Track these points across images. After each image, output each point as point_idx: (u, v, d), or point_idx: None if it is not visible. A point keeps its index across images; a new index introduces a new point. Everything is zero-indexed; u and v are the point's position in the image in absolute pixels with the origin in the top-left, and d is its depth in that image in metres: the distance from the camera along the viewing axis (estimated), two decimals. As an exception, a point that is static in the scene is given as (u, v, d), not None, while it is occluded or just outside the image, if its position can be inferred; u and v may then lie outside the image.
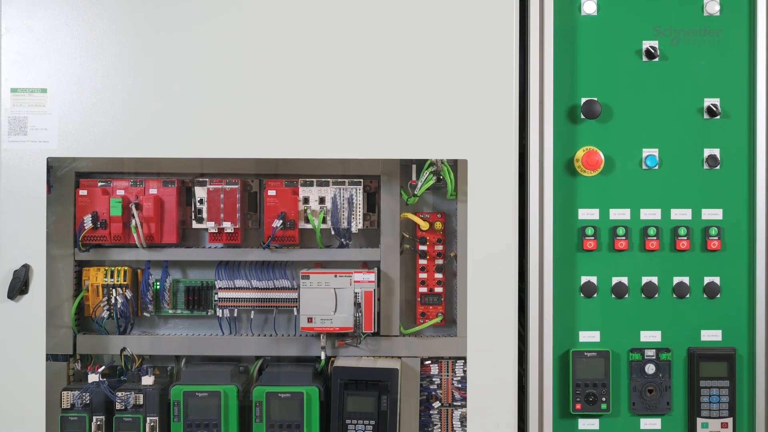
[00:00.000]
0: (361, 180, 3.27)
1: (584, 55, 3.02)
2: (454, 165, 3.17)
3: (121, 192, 3.27)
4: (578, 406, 3.03)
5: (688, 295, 3.04)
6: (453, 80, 2.91)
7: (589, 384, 3.03)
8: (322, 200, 3.27)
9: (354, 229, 3.26)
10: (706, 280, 3.05)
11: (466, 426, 3.21)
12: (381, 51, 2.92)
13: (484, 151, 2.91)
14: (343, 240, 3.27)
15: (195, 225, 3.28)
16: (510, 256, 2.92)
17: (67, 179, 3.27)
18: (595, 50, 3.02)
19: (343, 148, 2.94)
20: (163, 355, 3.36)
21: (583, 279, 3.04)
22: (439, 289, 3.30)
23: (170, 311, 3.36)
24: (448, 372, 3.29)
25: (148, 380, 3.19)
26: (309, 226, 3.26)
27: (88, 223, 3.22)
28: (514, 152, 2.92)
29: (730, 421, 3.04)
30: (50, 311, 3.03)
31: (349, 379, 3.16)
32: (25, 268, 2.92)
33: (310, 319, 3.19)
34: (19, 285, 2.90)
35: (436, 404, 3.29)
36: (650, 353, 3.05)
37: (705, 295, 3.05)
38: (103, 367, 3.19)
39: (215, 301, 3.32)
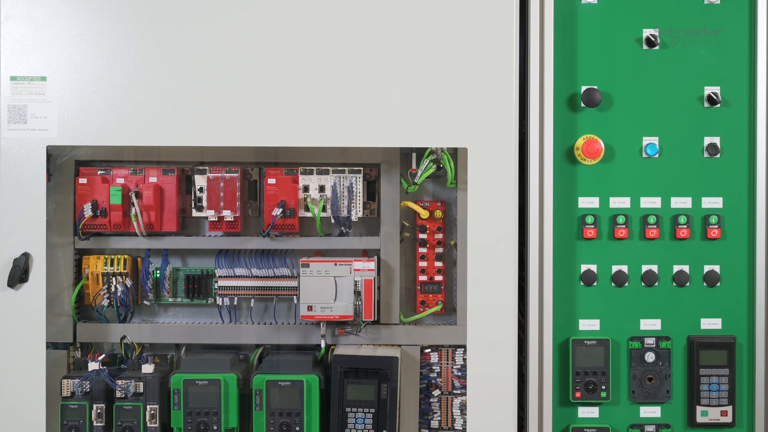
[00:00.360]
0: (361, 168, 3.27)
1: (584, 43, 3.02)
2: (454, 153, 3.17)
3: (120, 180, 3.27)
4: (578, 395, 3.03)
5: (688, 284, 3.04)
6: (453, 68, 2.91)
7: (588, 372, 3.03)
8: (321, 188, 3.26)
9: (354, 218, 3.26)
10: (706, 268, 3.05)
11: (465, 414, 3.21)
12: (381, 39, 2.92)
13: (484, 139, 2.91)
14: (343, 228, 3.27)
15: (195, 213, 3.28)
16: (510, 245, 2.92)
17: (67, 167, 3.27)
18: (596, 38, 3.02)
19: (342, 137, 2.94)
20: (163, 344, 3.36)
21: (583, 267, 3.04)
22: (439, 278, 3.30)
23: (170, 299, 3.36)
24: (447, 360, 3.29)
25: (148, 368, 3.19)
26: (309, 214, 3.26)
27: (87, 211, 3.22)
28: (514, 140, 2.92)
29: (729, 409, 3.05)
30: (50, 299, 3.03)
31: (349, 368, 3.16)
32: (25, 257, 2.92)
33: (310, 308, 3.19)
34: (19, 273, 2.91)
35: (436, 392, 3.29)
36: (650, 341, 3.05)
37: (705, 284, 3.05)
38: (103, 356, 3.19)
39: (215, 289, 3.32)
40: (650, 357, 3.05)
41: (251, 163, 3.33)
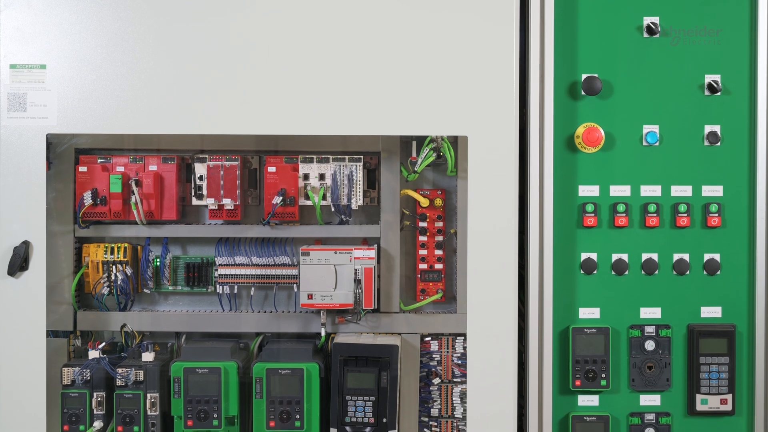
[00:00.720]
0: (361, 157, 3.27)
1: (585, 31, 3.01)
2: (455, 141, 3.17)
3: (120, 168, 3.26)
4: (578, 383, 3.04)
5: (688, 272, 3.04)
6: (453, 57, 2.91)
7: (588, 360, 3.03)
8: (322, 177, 3.26)
9: (354, 206, 3.26)
10: (706, 256, 3.05)
11: (465, 402, 3.22)
12: (381, 28, 2.91)
13: (484, 127, 2.91)
14: (343, 217, 3.27)
15: (195, 202, 3.28)
16: (510, 233, 2.92)
17: (67, 156, 3.27)
18: (596, 26, 3.01)
19: (343, 125, 2.94)
20: (163, 332, 3.36)
21: (583, 255, 3.04)
22: (439, 266, 3.30)
23: (170, 288, 3.36)
24: (447, 348, 3.30)
25: (148, 356, 3.19)
26: (309, 202, 3.26)
27: (87, 199, 3.22)
28: (514, 129, 2.92)
29: (729, 397, 3.05)
30: (50, 288, 3.03)
31: (349, 356, 3.16)
32: (25, 245, 2.92)
33: (310, 296, 3.19)
34: (19, 261, 2.91)
35: (436, 380, 3.30)
36: (650, 330, 3.05)
37: (705, 272, 3.05)
38: (103, 344, 3.19)
39: (215, 277, 3.32)
40: (650, 345, 3.05)
41: (251, 152, 3.33)
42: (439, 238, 3.30)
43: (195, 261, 3.36)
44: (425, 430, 3.31)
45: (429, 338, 3.30)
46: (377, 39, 2.91)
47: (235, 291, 3.33)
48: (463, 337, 3.27)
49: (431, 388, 3.30)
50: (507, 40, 2.91)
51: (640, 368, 3.06)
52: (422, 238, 3.30)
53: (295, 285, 3.29)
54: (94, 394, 3.17)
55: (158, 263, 3.33)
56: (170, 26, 2.92)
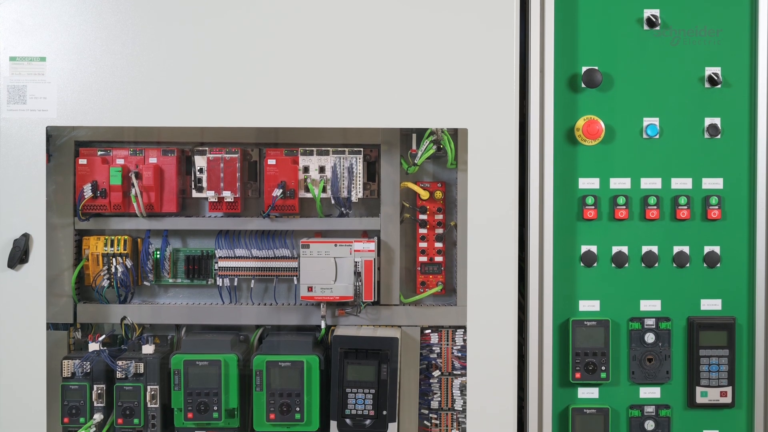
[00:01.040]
0: (361, 149, 3.27)
1: (585, 23, 3.01)
2: (455, 134, 3.16)
3: (120, 161, 3.26)
4: (578, 375, 3.04)
5: (688, 265, 3.04)
6: (453, 49, 2.90)
7: (588, 353, 3.03)
8: (322, 169, 3.26)
9: (354, 199, 3.25)
10: (706, 249, 3.05)
11: (465, 395, 3.22)
12: (381, 20, 2.91)
13: (484, 120, 2.91)
14: (343, 209, 3.27)
15: (195, 194, 3.28)
16: (510, 225, 2.92)
17: (67, 148, 3.27)
18: (597, 18, 3.01)
19: (343, 117, 2.94)
20: (163, 324, 3.37)
21: (583, 248, 3.04)
22: (439, 259, 3.30)
23: (170, 280, 3.37)
24: (448, 341, 3.30)
25: (148, 349, 3.20)
26: (309, 195, 3.25)
27: (87, 192, 3.22)
28: (514, 121, 2.92)
29: (729, 389, 3.05)
30: (50, 280, 3.03)
31: (349, 348, 3.16)
32: (25, 237, 2.92)
33: (310, 288, 3.19)
34: (19, 254, 2.91)
35: (436, 373, 3.30)
36: (650, 322, 3.05)
37: (705, 265, 3.05)
38: (103, 336, 3.20)
39: (215, 270, 3.32)
40: (650, 338, 3.05)
41: (251, 144, 3.33)
42: (439, 230, 3.30)
43: (195, 253, 3.36)
44: (425, 422, 3.31)
45: (429, 331, 3.30)
46: (377, 31, 2.91)
47: (235, 283, 3.33)
48: (463, 330, 3.27)
49: (431, 381, 3.30)
50: (507, 33, 2.90)
51: (640, 361, 3.06)
52: (422, 231, 3.30)
53: (295, 277, 3.29)
54: (95, 386, 3.17)
55: (158, 256, 3.33)
56: (170, 19, 2.91)
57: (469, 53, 2.90)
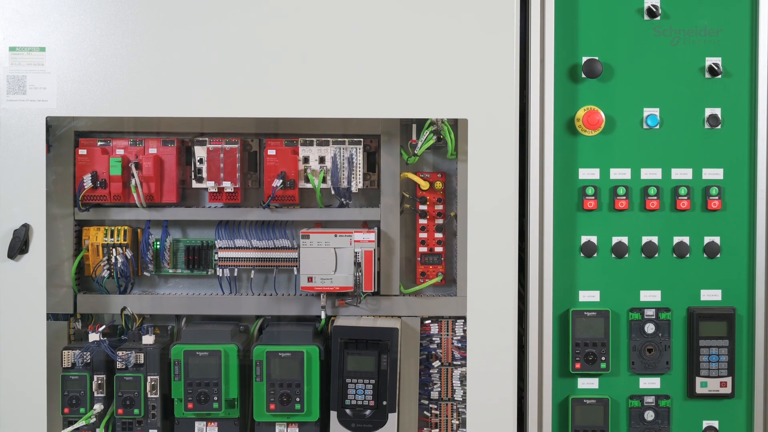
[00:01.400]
0: (361, 139, 3.26)
1: (585, 13, 3.01)
2: (455, 124, 3.16)
3: (120, 151, 3.26)
4: (578, 366, 3.04)
5: (688, 255, 3.04)
6: (453, 39, 2.90)
7: (588, 343, 3.04)
8: (322, 160, 3.26)
9: (354, 189, 3.25)
10: (707, 239, 3.05)
11: (465, 385, 3.22)
12: (381, 9, 2.91)
13: (484, 110, 2.91)
14: (343, 200, 3.27)
15: (195, 184, 3.28)
16: (510, 216, 2.92)
17: (67, 139, 3.27)
18: (597, 9, 3.01)
19: (343, 108, 2.94)
20: (163, 315, 3.37)
21: (584, 239, 3.04)
22: (439, 249, 3.30)
23: (170, 271, 3.37)
24: (447, 331, 3.30)
25: (148, 339, 3.20)
26: (309, 185, 3.25)
27: (87, 182, 3.22)
28: (514, 112, 2.91)
29: (729, 380, 3.05)
30: (50, 270, 3.03)
31: (349, 339, 3.17)
32: (25, 228, 2.92)
33: (310, 279, 3.19)
34: (19, 244, 2.91)
35: (436, 363, 3.30)
36: (650, 313, 3.05)
37: (705, 255, 3.05)
38: (103, 327, 3.20)
39: (215, 260, 3.32)
40: (650, 328, 3.05)
41: (251, 134, 3.32)
42: (439, 221, 3.30)
43: (195, 244, 3.36)
44: (425, 412, 3.31)
45: (429, 321, 3.30)
46: (376, 22, 2.91)
47: (235, 274, 3.33)
48: (463, 320, 3.27)
49: (431, 371, 3.31)
50: (507, 23, 2.90)
51: (640, 351, 3.06)
52: (422, 221, 3.30)
53: (295, 268, 3.29)
54: (95, 376, 3.17)
55: (158, 246, 3.33)
56: (169, 9, 2.91)
57: (469, 43, 2.90)
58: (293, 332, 3.23)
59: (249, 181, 3.34)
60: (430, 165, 3.34)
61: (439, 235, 3.30)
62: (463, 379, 3.28)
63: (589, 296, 3.05)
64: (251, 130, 3.31)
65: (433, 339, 3.30)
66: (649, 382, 3.08)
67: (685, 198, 3.03)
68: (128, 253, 3.30)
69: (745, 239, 3.05)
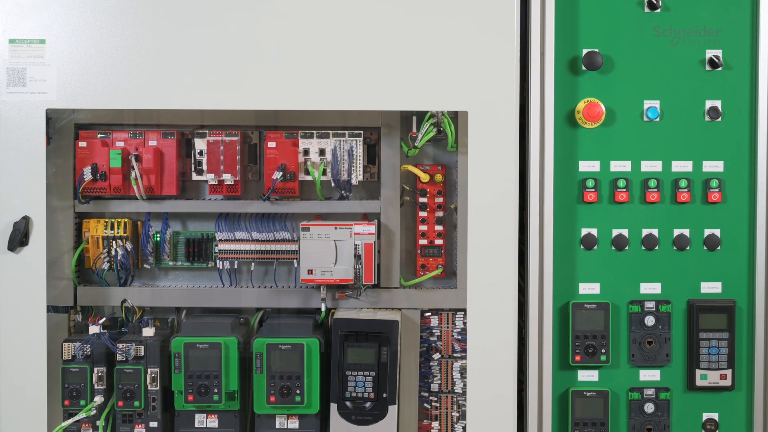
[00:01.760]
0: (362, 132, 3.26)
1: (586, 6, 3.00)
2: (455, 117, 3.16)
3: (120, 144, 3.26)
4: (578, 358, 3.04)
5: (688, 247, 3.04)
6: (454, 32, 2.90)
7: (588, 336, 3.04)
8: (322, 152, 3.26)
9: (354, 181, 3.25)
10: (707, 232, 3.05)
11: (466, 377, 3.22)
12: (381, 1, 2.90)
13: (484, 102, 2.90)
14: (343, 192, 3.27)
15: (195, 177, 3.28)
16: (510, 208, 2.92)
17: (67, 131, 3.27)
18: (597, 1, 3.00)
19: (343, 100, 2.93)
20: (163, 307, 3.37)
21: (584, 231, 3.04)
22: (439, 241, 3.30)
23: (170, 263, 3.37)
24: (448, 324, 3.30)
25: (148, 332, 3.20)
26: (309, 178, 3.25)
27: (87, 174, 3.22)
28: (514, 104, 2.91)
29: (729, 372, 3.05)
30: (50, 263, 3.04)
31: (350, 331, 3.17)
32: (25, 220, 2.92)
33: (310, 271, 3.19)
34: (19, 237, 2.91)
35: (436, 356, 3.30)
36: (650, 305, 3.05)
37: (705, 248, 3.05)
38: (103, 319, 3.20)
39: (215, 253, 3.32)
40: (650, 320, 3.05)
41: (251, 127, 3.32)
42: (440, 213, 3.30)
43: (195, 236, 3.36)
44: (425, 405, 3.31)
45: (429, 313, 3.30)
46: (377, 14, 2.90)
47: (236, 266, 3.33)
48: (463, 313, 3.27)
49: (431, 364, 3.31)
50: (507, 15, 2.90)
51: (640, 343, 3.06)
52: (422, 214, 3.30)
53: (295, 260, 3.29)
54: (95, 369, 3.18)
55: (158, 238, 3.33)
56: (170, 1, 2.91)
57: (470, 35, 2.90)
58: (293, 324, 3.23)
59: (249, 174, 3.34)
60: (431, 157, 3.34)
61: (439, 228, 3.30)
62: (463, 371, 3.28)
63: (589, 289, 3.05)
64: (251, 123, 3.31)
65: (433, 331, 3.30)
66: (649, 375, 3.08)
67: (686, 190, 3.03)
68: (128, 246, 3.30)
69: (745, 232, 3.05)
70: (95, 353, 3.18)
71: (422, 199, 3.30)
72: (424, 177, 3.28)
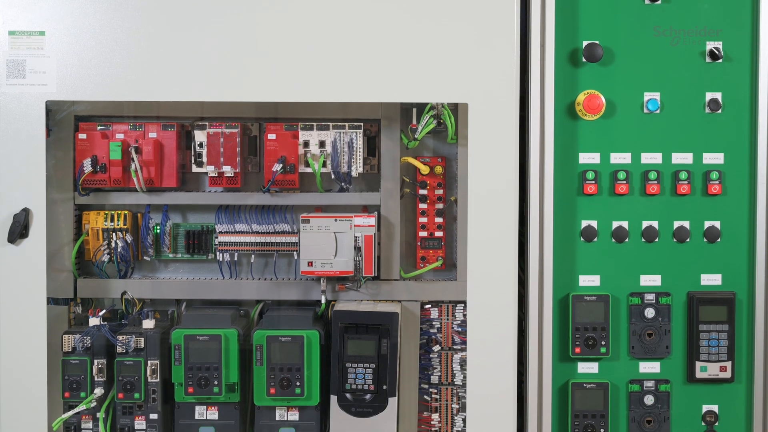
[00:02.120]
0: (362, 124, 3.26)
1: (586, -3, 3.01)
2: (455, 109, 3.16)
3: (120, 136, 3.26)
4: (577, 350, 3.04)
5: (688, 240, 3.04)
6: (454, 23, 2.90)
7: (588, 328, 3.04)
8: (322, 144, 3.26)
9: (354, 173, 3.25)
10: (707, 224, 3.05)
11: (465, 369, 3.22)
12: (381, -7, 2.91)
13: (484, 94, 2.90)
14: (343, 184, 3.27)
15: (195, 169, 3.27)
16: (510, 200, 2.92)
17: (67, 123, 3.26)
18: (597, -7, 3.01)
19: (343, 92, 2.93)
20: (163, 299, 3.37)
21: (584, 223, 3.04)
22: (439, 233, 3.30)
23: (170, 255, 3.37)
24: (448, 316, 3.30)
25: (148, 324, 3.20)
26: (309, 170, 3.25)
27: (87, 166, 3.22)
28: (515, 96, 2.91)
29: (728, 364, 3.06)
30: (50, 255, 3.04)
31: (350, 323, 3.17)
32: (25, 212, 2.92)
33: (310, 263, 3.19)
34: (20, 229, 2.91)
35: (436, 348, 3.30)
36: (650, 297, 3.05)
37: (705, 240, 3.05)
38: (104, 311, 3.20)
39: (215, 245, 3.32)
40: (650, 313, 3.05)
41: (251, 119, 3.32)
42: (440, 205, 3.30)
43: (195, 228, 3.36)
44: (425, 397, 3.31)
45: (429, 305, 3.30)
46: (377, 5, 2.90)
47: (236, 258, 3.33)
48: (463, 305, 3.27)
49: (431, 356, 3.31)
50: (508, 6, 2.89)
51: (640, 336, 3.06)
52: (422, 206, 3.30)
53: (295, 252, 3.29)
54: (95, 361, 3.18)
55: (158, 231, 3.33)
56: (169, -8, 2.91)
57: (470, 27, 2.89)
58: (293, 317, 3.23)
59: (249, 166, 3.34)
60: (431, 149, 3.33)
61: (439, 220, 3.30)
62: (463, 363, 3.28)
63: (589, 281, 3.05)
64: (251, 115, 3.31)
65: (433, 323, 3.30)
66: (649, 367, 3.08)
67: (686, 182, 3.03)
68: (128, 238, 3.30)
69: (745, 224, 3.05)
70: (95, 345, 3.18)
71: (422, 191, 3.30)
72: (424, 169, 3.28)
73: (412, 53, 2.90)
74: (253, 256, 3.33)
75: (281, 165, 3.21)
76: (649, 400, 3.07)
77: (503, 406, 2.97)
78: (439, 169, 3.28)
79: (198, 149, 3.26)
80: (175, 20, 2.90)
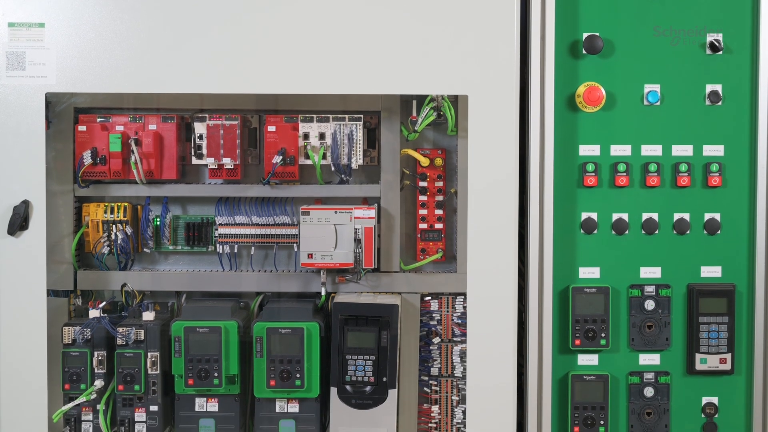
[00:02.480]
0: (362, 116, 3.26)
1: (586, -11, 3.01)
2: (455, 101, 3.16)
3: (120, 128, 3.26)
4: (577, 342, 3.04)
5: (688, 232, 3.04)
6: (453, 15, 2.89)
7: (588, 320, 3.04)
8: (322, 136, 3.25)
9: (354, 165, 3.25)
10: (707, 216, 3.05)
11: (465, 361, 3.22)
12: (381, -15, 2.91)
13: (484, 86, 2.90)
14: (343, 176, 3.27)
15: (195, 161, 3.27)
16: (510, 192, 2.92)
17: (66, 115, 3.26)
18: (598, -16, 3.01)
19: (343, 84, 2.93)
20: (163, 291, 3.37)
21: (584, 215, 3.04)
22: (439, 225, 3.30)
23: (170, 247, 3.37)
24: (448, 308, 3.30)
25: (148, 316, 3.20)
26: (309, 162, 3.25)
27: (87, 158, 3.22)
28: (515, 88, 2.91)
29: (728, 356, 3.06)
30: (50, 247, 3.04)
31: (350, 315, 3.17)
32: (25, 204, 2.92)
33: (310, 255, 3.19)
34: (19, 221, 2.91)
35: (436, 340, 3.30)
36: (650, 289, 3.05)
37: (705, 232, 3.05)
38: (104, 303, 3.20)
39: (215, 237, 3.32)
40: (650, 305, 3.05)
41: (251, 111, 3.32)
42: (440, 197, 3.30)
43: (195, 220, 3.36)
44: (425, 389, 3.32)
45: (429, 297, 3.30)
46: (377, -3, 2.91)
47: (236, 250, 3.33)
48: (463, 297, 3.27)
49: (431, 348, 3.31)
50: (508, -1, 2.90)
51: (640, 328, 3.06)
52: (422, 198, 3.30)
53: (295, 244, 3.29)
54: (95, 353, 3.18)
55: (158, 223, 3.33)
56: (169, -16, 2.91)
57: (470, 19, 2.89)
58: (293, 309, 3.23)
59: (249, 158, 3.34)
60: (431, 141, 3.33)
61: (439, 212, 3.30)
62: (463, 355, 3.28)
63: (589, 273, 3.05)
64: (251, 107, 3.31)
65: (433, 315, 3.31)
66: (649, 359, 3.08)
67: (686, 174, 3.02)
68: (128, 230, 3.30)
69: (745, 216, 3.05)
70: (95, 337, 3.18)
71: (422, 183, 3.29)
72: (424, 161, 3.27)
73: (412, 45, 2.90)
74: (253, 248, 3.33)
75: (281, 157, 3.21)
76: (648, 392, 3.07)
77: (503, 398, 2.97)
78: (439, 161, 3.28)
79: (198, 141, 3.25)
80: (174, 12, 2.90)
